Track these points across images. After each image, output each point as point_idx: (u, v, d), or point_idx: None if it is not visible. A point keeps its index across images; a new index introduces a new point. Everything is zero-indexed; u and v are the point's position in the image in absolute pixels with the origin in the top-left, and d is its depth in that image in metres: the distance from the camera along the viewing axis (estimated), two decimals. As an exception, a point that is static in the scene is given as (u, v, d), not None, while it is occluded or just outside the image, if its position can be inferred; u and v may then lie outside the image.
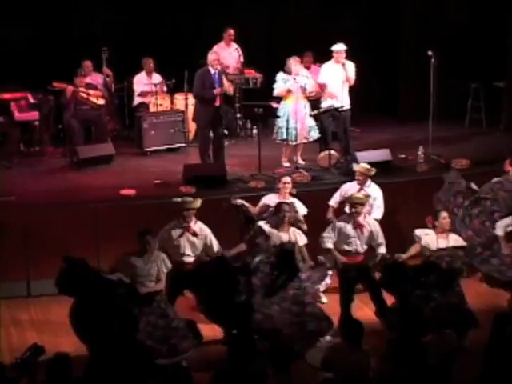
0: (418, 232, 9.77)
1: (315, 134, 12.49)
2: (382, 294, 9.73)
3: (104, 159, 12.66)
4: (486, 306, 10.08)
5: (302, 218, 10.13)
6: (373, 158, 12.08)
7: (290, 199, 10.27)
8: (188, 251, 9.53)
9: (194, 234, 9.54)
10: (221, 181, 11.62)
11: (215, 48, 13.37)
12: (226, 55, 13.92)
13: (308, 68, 13.85)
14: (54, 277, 9.16)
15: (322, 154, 12.44)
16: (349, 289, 9.80)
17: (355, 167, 10.79)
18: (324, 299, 10.30)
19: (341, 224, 9.73)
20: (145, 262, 8.97)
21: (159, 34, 14.67)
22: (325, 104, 12.65)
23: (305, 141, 12.43)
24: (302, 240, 9.70)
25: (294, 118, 12.20)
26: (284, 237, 9.56)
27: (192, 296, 9.89)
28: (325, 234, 9.76)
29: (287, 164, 12.52)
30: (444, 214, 9.72)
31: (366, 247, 9.79)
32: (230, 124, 13.39)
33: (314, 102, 12.79)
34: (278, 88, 12.32)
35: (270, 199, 10.34)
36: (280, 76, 12.33)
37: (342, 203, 10.62)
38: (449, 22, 14.89)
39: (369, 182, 10.62)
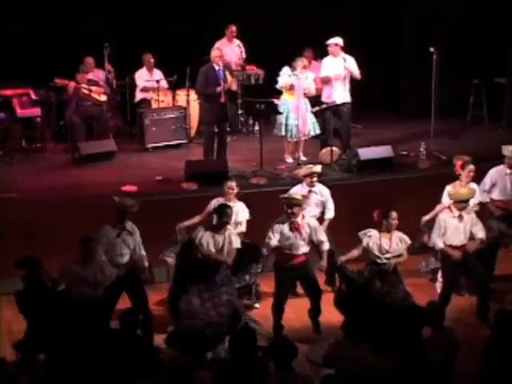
0: (361, 234, 9.50)
1: (316, 131, 12.49)
2: (321, 298, 9.71)
3: (106, 155, 12.67)
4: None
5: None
6: (374, 154, 12.10)
7: (236, 203, 10.13)
8: (124, 251, 9.44)
9: (130, 234, 9.48)
10: (222, 177, 11.59)
11: (217, 44, 13.36)
12: (228, 51, 13.91)
13: (308, 64, 13.85)
14: (54, 273, 9.20)
15: (324, 150, 12.44)
16: (286, 290, 9.67)
17: (302, 172, 10.53)
18: (257, 305, 10.33)
19: (279, 225, 9.49)
20: (84, 269, 8.91)
21: (161, 30, 14.68)
22: (324, 97, 12.65)
23: (305, 138, 12.43)
24: (236, 243, 9.45)
25: (296, 114, 12.20)
26: (219, 239, 9.36)
27: None
28: (266, 239, 9.54)
29: (290, 160, 12.53)
30: (394, 215, 9.40)
31: (306, 248, 9.57)
32: (231, 120, 13.40)
33: (315, 99, 12.78)
34: (283, 81, 12.31)
35: (218, 200, 10.17)
36: (286, 70, 12.32)
37: None
38: (451, 19, 14.89)
39: (316, 183, 10.46)
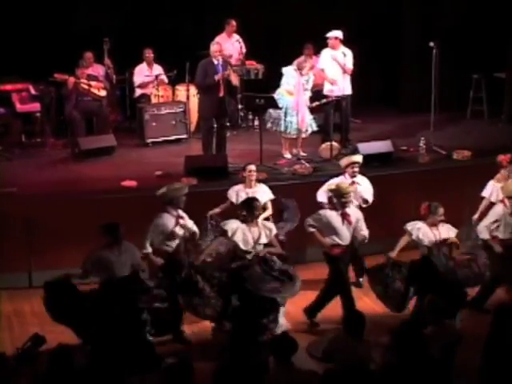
0: (410, 226, 9.52)
1: (313, 127, 12.49)
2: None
3: (105, 150, 12.68)
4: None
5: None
6: (374, 149, 12.10)
7: (257, 186, 10.20)
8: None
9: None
10: (222, 172, 11.62)
11: (217, 39, 13.35)
12: (228, 46, 13.90)
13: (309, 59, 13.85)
14: (55, 268, 9.21)
15: (324, 145, 12.44)
16: (343, 278, 9.72)
17: (343, 163, 10.55)
18: None
19: (327, 216, 9.57)
20: (118, 254, 8.90)
21: (161, 25, 14.66)
22: (326, 90, 12.66)
23: (303, 135, 12.40)
24: (274, 229, 9.48)
25: (296, 110, 12.19)
26: (255, 232, 9.32)
27: None
28: (308, 220, 9.59)
29: (289, 156, 12.52)
30: (442, 211, 9.43)
31: (350, 238, 9.64)
32: (231, 115, 13.39)
33: (315, 94, 12.78)
34: (287, 85, 12.34)
35: (237, 191, 10.21)
36: (289, 72, 12.32)
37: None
38: (450, 13, 14.86)
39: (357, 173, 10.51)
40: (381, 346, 7.68)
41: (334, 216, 9.53)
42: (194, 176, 11.43)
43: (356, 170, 10.39)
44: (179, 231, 9.34)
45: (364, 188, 10.45)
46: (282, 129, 12.30)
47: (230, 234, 9.22)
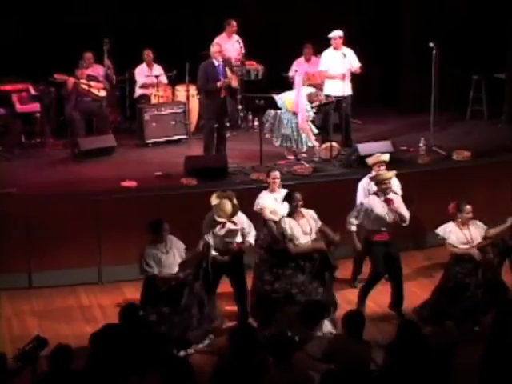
0: (441, 231, 9.56)
1: (313, 131, 12.48)
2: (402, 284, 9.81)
3: (105, 151, 12.67)
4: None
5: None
6: (374, 149, 12.06)
7: (281, 192, 10.20)
8: (228, 239, 9.52)
9: (234, 223, 9.51)
10: (222, 173, 11.61)
11: (217, 39, 13.35)
12: (228, 47, 13.89)
13: (308, 60, 13.87)
14: (55, 268, 9.19)
15: (324, 145, 12.44)
16: (380, 268, 9.79)
17: (370, 161, 10.53)
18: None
19: (370, 204, 9.70)
20: (165, 252, 9.01)
21: (161, 25, 14.64)
22: (326, 90, 12.66)
23: (303, 147, 12.37)
24: (319, 220, 9.60)
25: (296, 110, 12.17)
26: (304, 224, 9.42)
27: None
28: (351, 219, 9.76)
29: (291, 157, 12.49)
30: (468, 208, 9.48)
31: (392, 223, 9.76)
32: (231, 116, 13.38)
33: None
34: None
35: (264, 198, 10.21)
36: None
37: None
38: (450, 13, 14.86)
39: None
40: (381, 346, 7.70)
41: (376, 202, 9.68)
42: (194, 176, 11.42)
43: (382, 168, 10.34)
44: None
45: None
46: (280, 143, 12.32)
47: (288, 232, 9.31)
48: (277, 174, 10.28)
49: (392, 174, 9.90)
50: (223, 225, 9.39)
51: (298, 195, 9.52)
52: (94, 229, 10.73)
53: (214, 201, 9.40)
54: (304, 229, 9.36)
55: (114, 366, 7.29)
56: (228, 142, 12.67)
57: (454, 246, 9.46)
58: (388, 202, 9.68)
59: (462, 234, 9.45)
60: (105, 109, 13.37)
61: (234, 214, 9.39)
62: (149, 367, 7.87)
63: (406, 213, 9.81)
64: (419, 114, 13.78)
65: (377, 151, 12.01)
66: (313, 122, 12.60)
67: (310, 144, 12.28)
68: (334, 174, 11.77)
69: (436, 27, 14.45)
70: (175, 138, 13.50)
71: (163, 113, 13.45)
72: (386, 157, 10.54)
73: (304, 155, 12.47)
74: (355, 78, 12.80)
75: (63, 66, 13.02)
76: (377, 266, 9.79)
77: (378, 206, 9.66)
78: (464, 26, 14.69)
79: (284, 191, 10.15)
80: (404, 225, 9.82)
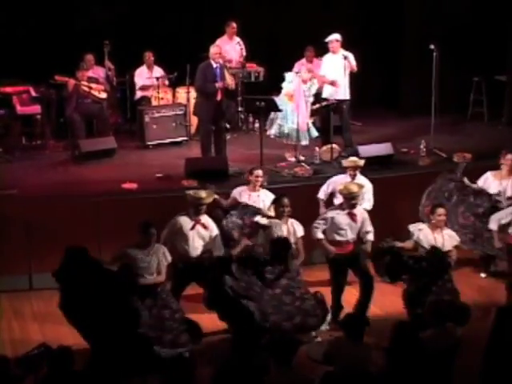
0: (412, 227, 9.64)
1: (314, 134, 12.47)
2: (373, 286, 9.73)
3: (106, 153, 12.67)
4: (487, 299, 10.12)
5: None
6: (375, 151, 12.10)
7: (260, 191, 10.26)
8: (197, 244, 9.50)
9: (205, 227, 9.52)
10: (222, 174, 11.61)
11: (217, 41, 13.35)
12: (229, 49, 13.90)
13: (310, 62, 13.84)
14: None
15: (324, 147, 12.44)
16: (340, 279, 9.79)
17: (345, 163, 10.75)
18: None
19: (333, 214, 9.68)
20: (145, 255, 8.97)
21: (161, 27, 14.66)
22: (325, 93, 12.66)
23: (304, 142, 12.37)
24: (299, 231, 9.68)
25: (296, 112, 12.17)
26: (283, 228, 9.54)
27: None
28: (316, 225, 9.72)
29: (292, 159, 12.48)
30: (440, 211, 9.54)
31: (355, 237, 9.75)
32: (231, 118, 13.39)
33: (315, 96, 12.77)
34: (287, 88, 12.35)
35: (241, 192, 10.29)
36: (289, 78, 12.35)
37: (330, 195, 10.71)
38: (451, 16, 14.86)
39: (358, 174, 10.62)
40: (380, 348, 7.69)
41: (340, 215, 9.62)
42: (195, 178, 11.42)
43: (356, 172, 10.51)
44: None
45: (367, 189, 10.55)
46: (279, 134, 12.30)
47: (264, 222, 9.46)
48: (259, 172, 10.32)
49: (359, 189, 9.82)
50: (194, 226, 9.39)
51: (286, 201, 9.54)
52: (94, 230, 10.73)
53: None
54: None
55: (114, 367, 7.32)
56: (228, 143, 12.66)
57: (419, 244, 9.45)
58: (352, 216, 9.64)
59: (431, 237, 9.45)
60: (105, 111, 13.37)
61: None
62: (149, 369, 7.88)
63: (369, 228, 9.77)
64: (420, 116, 13.78)
65: (377, 153, 12.07)
66: (313, 123, 12.63)
67: (305, 142, 12.29)
68: (335, 175, 11.75)
69: (436, 29, 14.46)
70: (176, 139, 13.51)
71: (164, 115, 13.46)
72: (361, 162, 10.63)
73: (303, 158, 12.45)
74: (355, 80, 12.78)
75: (64, 68, 13.02)
76: (335, 279, 9.80)
77: (342, 220, 9.62)
78: (464, 28, 14.70)
79: (264, 191, 10.20)
80: (369, 240, 9.76)
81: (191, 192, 9.67)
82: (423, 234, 9.50)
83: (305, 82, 12.34)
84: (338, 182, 10.44)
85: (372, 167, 11.78)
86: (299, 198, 10.68)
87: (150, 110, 13.46)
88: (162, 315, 8.82)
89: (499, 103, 14.50)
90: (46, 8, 14.04)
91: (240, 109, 14.04)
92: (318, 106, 12.53)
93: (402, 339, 7.14)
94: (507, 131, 13.90)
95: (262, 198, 10.18)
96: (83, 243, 10.13)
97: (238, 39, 14.13)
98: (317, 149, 12.33)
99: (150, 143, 13.34)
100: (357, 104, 13.18)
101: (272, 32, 15.17)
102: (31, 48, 13.85)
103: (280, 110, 12.22)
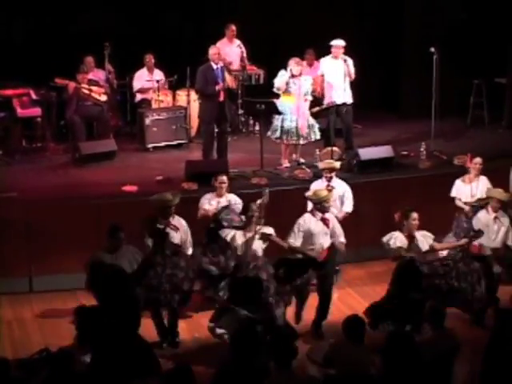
0: (385, 239, 9.42)
1: (317, 136, 12.42)
2: (331, 293, 9.73)
3: (106, 155, 12.68)
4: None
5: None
6: (375, 154, 12.11)
7: (228, 196, 10.25)
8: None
9: (176, 228, 9.51)
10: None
11: (217, 44, 13.33)
12: (229, 51, 13.90)
13: (310, 65, 13.87)
14: (56, 273, 9.17)
15: (325, 150, 12.43)
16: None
17: (320, 165, 10.74)
18: None
19: (306, 223, 9.54)
20: (113, 259, 8.94)
21: (162, 30, 14.67)
22: (326, 96, 12.65)
23: (302, 142, 12.34)
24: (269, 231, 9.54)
25: (296, 115, 12.16)
26: (250, 239, 9.36)
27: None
28: (291, 239, 9.53)
29: (288, 164, 12.44)
30: (414, 215, 9.37)
31: (329, 242, 9.64)
32: (232, 120, 13.39)
33: (316, 99, 12.77)
34: (279, 82, 12.25)
35: (209, 199, 10.27)
36: (282, 73, 12.34)
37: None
38: (451, 19, 14.88)
39: (334, 177, 10.60)
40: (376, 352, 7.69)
41: (313, 222, 9.55)
42: (195, 181, 11.42)
43: (332, 174, 10.51)
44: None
45: (340, 192, 10.53)
46: (279, 135, 12.24)
47: (228, 239, 9.35)
48: (224, 178, 10.33)
49: (328, 193, 9.79)
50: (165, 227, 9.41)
51: (254, 207, 9.45)
52: (94, 233, 10.71)
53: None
54: (250, 243, 9.34)
55: (115, 368, 7.31)
56: (229, 146, 12.66)
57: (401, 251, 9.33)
58: (324, 221, 9.57)
59: (406, 242, 9.36)
60: (106, 113, 13.37)
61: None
62: (149, 372, 7.87)
63: (339, 230, 9.69)
64: (420, 119, 13.79)
65: (377, 156, 12.07)
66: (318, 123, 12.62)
67: (297, 134, 12.24)
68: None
69: (437, 32, 14.47)
70: (176, 142, 13.51)
71: (164, 117, 13.47)
72: (337, 164, 10.64)
73: (302, 161, 12.44)
74: (356, 83, 12.78)
75: (64, 71, 13.03)
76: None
77: (314, 226, 9.52)
78: (465, 31, 14.71)
79: (232, 196, 10.21)
80: (341, 242, 9.69)
81: (155, 196, 9.63)
82: (399, 240, 9.34)
83: (295, 77, 12.24)
84: (317, 187, 10.36)
85: (372, 170, 11.79)
86: (299, 200, 10.67)
87: (150, 113, 13.47)
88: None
89: (499, 106, 14.50)
90: (46, 10, 14.06)
91: (240, 111, 14.04)
92: (317, 108, 12.53)
93: (397, 342, 7.12)
94: (507, 134, 13.91)
95: (232, 203, 10.15)
96: (83, 245, 10.19)
97: (238, 42, 14.13)
98: (317, 151, 12.31)
99: (150, 146, 13.34)
100: (357, 107, 13.18)
101: (272, 34, 15.16)
102: (31, 51, 13.86)
103: (280, 113, 12.21)
